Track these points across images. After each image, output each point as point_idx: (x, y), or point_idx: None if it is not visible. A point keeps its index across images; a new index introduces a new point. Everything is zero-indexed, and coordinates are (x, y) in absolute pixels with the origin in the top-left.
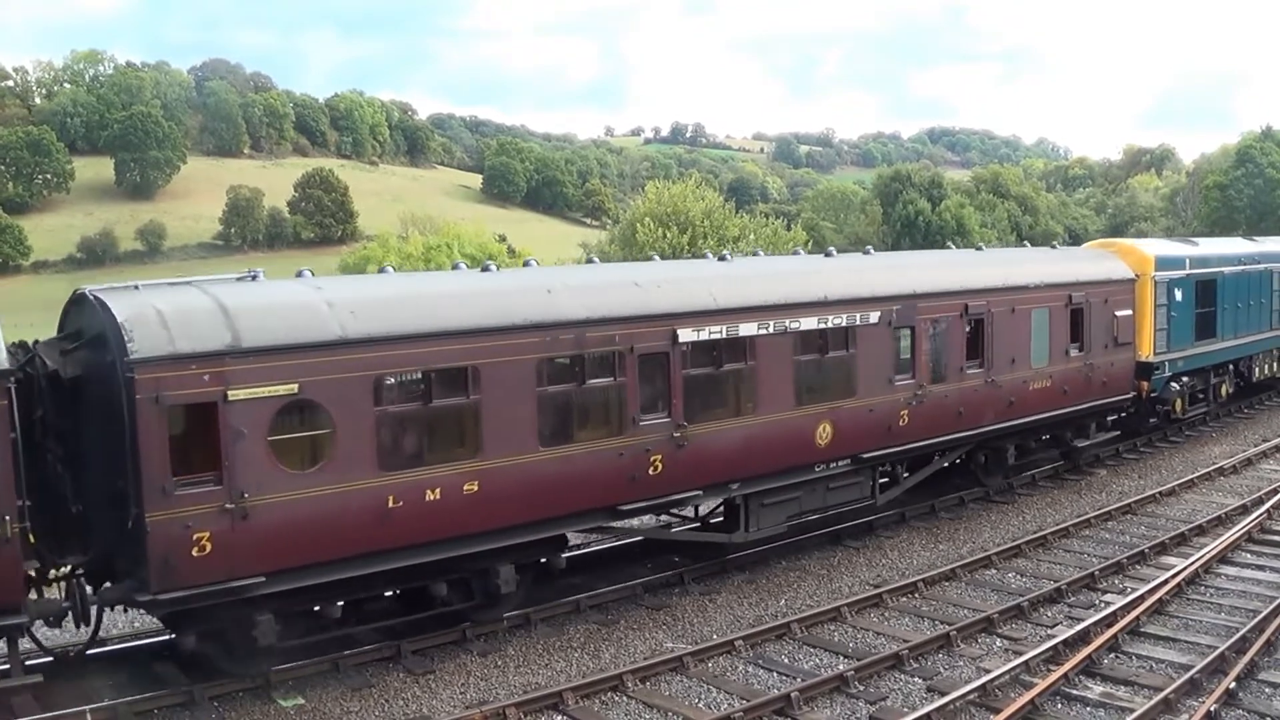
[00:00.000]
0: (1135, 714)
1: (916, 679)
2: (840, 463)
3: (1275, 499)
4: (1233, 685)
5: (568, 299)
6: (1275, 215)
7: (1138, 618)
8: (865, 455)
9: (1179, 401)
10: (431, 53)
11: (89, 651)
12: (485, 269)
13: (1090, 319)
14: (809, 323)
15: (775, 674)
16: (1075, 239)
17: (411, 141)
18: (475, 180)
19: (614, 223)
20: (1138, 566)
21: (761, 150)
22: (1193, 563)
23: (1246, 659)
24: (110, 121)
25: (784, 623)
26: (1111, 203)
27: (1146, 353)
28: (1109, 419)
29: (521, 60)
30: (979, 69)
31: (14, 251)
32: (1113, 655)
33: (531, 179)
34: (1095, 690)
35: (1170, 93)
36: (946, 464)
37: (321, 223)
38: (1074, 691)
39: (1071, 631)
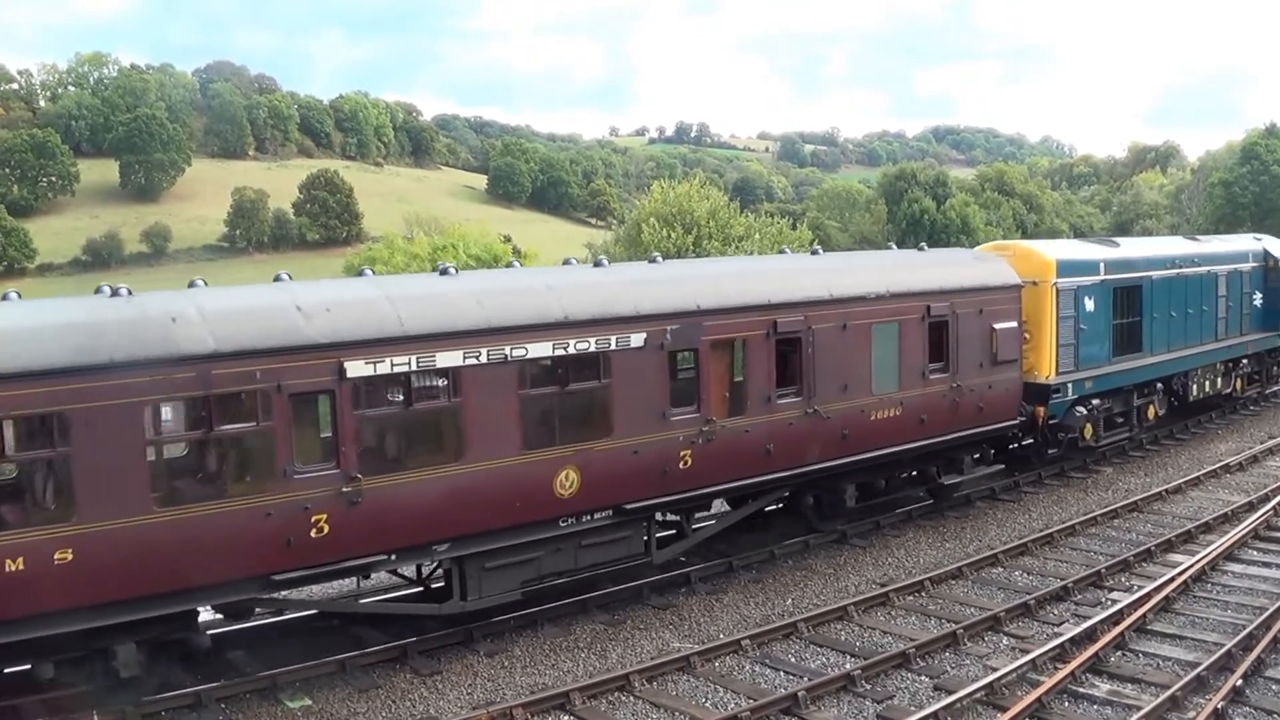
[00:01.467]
0: (1142, 711)
1: (923, 678)
2: (598, 515)
3: None
4: (1239, 682)
5: (192, 329)
6: None
7: (1144, 615)
8: (630, 506)
9: (1088, 428)
10: (436, 54)
11: None
12: (116, 293)
13: (958, 334)
14: (541, 348)
15: (782, 673)
16: (1080, 236)
17: (416, 142)
18: (480, 181)
19: (619, 223)
20: (1144, 564)
21: (766, 150)
22: (1199, 560)
23: (1253, 656)
24: (115, 124)
25: (791, 622)
26: (1116, 200)
27: (1045, 372)
28: (991, 451)
29: (526, 61)
30: (983, 67)
31: (19, 254)
32: (1120, 653)
33: (536, 179)
34: (1102, 688)
35: (1175, 90)
36: (756, 510)
37: (326, 224)
38: (1081, 689)
39: (1078, 629)
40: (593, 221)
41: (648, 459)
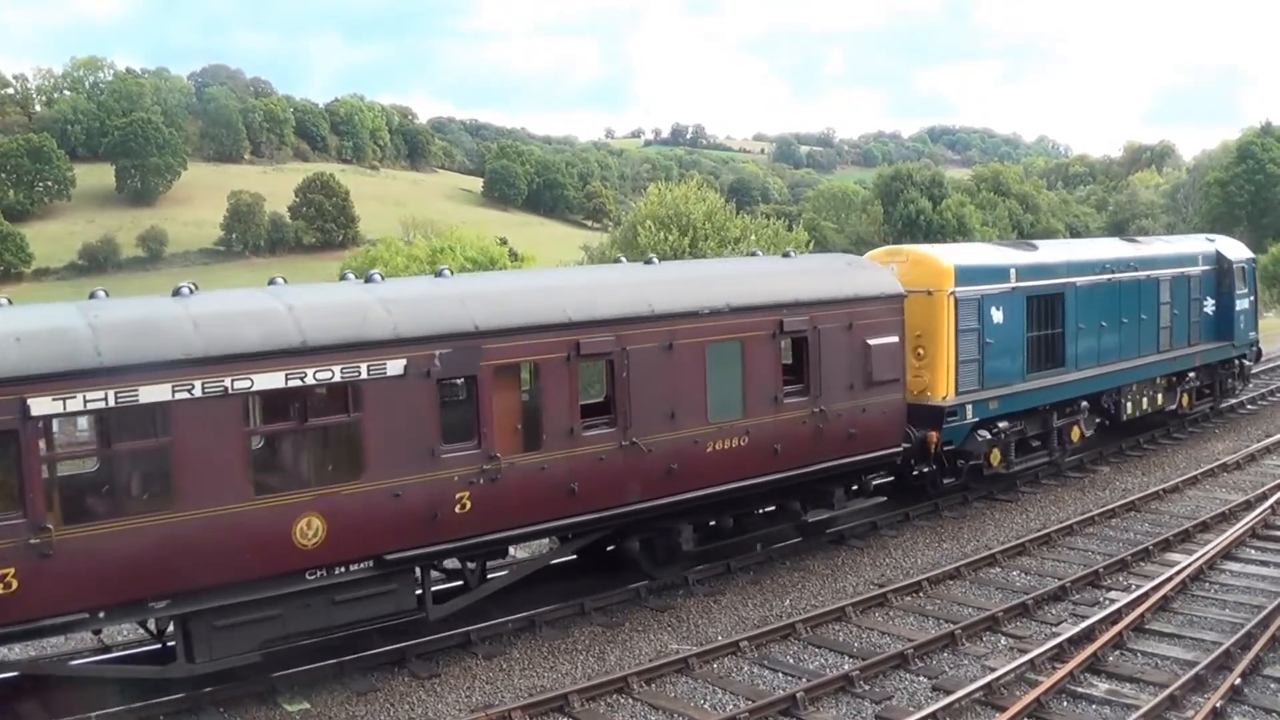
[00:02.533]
0: (1141, 711)
1: (922, 678)
2: (354, 567)
3: (1279, 494)
4: (1238, 681)
5: None
6: (1276, 212)
7: (1142, 615)
8: (393, 556)
9: (995, 453)
10: (433, 56)
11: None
12: None
13: (820, 352)
14: (271, 379)
15: (780, 674)
16: (1076, 236)
17: (412, 145)
18: (476, 184)
19: (615, 225)
20: (1142, 563)
21: (762, 151)
22: (1197, 559)
23: (1251, 655)
24: (111, 128)
25: (789, 623)
26: (1112, 200)
27: (942, 392)
28: (872, 481)
29: (522, 62)
30: (980, 67)
31: (16, 259)
32: (1118, 652)
33: (532, 182)
34: (1101, 688)
35: (1171, 89)
36: (566, 557)
37: (323, 228)
38: (1079, 689)
39: (1076, 629)
40: (589, 224)
41: (413, 502)
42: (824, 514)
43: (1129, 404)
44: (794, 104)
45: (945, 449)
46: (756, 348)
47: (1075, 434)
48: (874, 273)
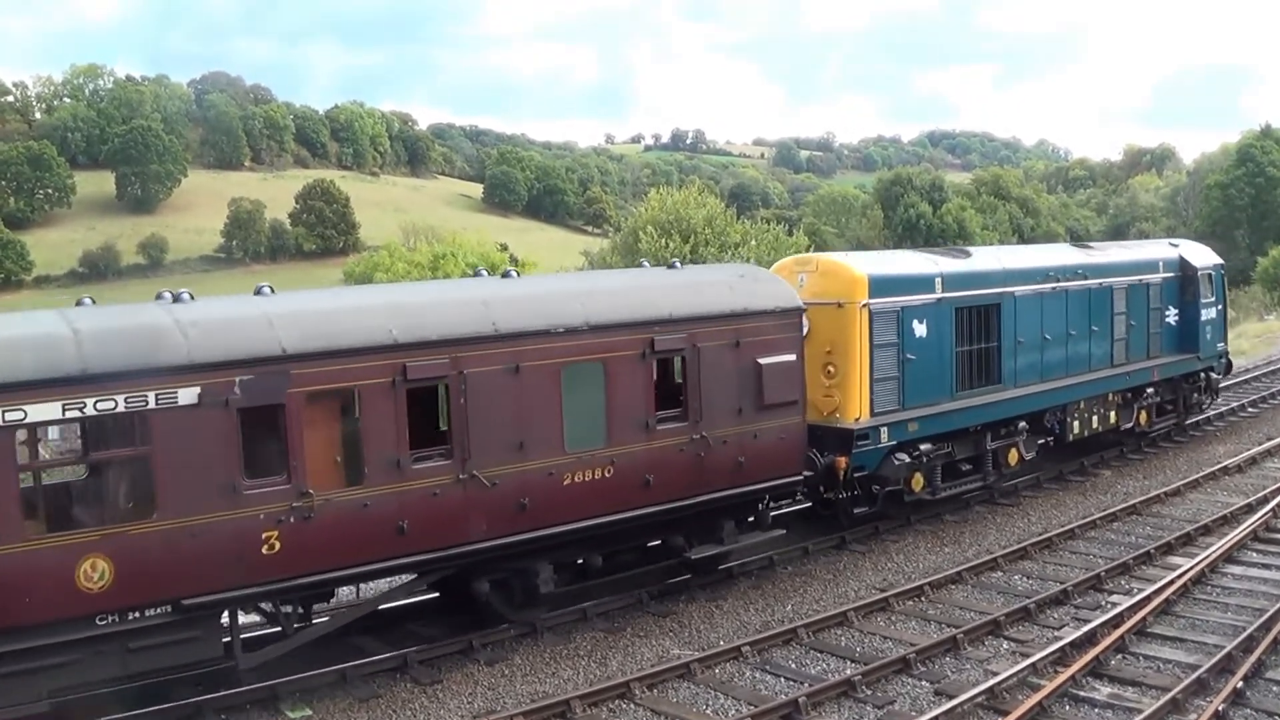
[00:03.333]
0: (1143, 714)
1: (924, 682)
2: (150, 612)
3: None
4: (1240, 684)
5: None
6: (1277, 214)
7: (1144, 618)
8: (191, 601)
9: (917, 478)
10: (432, 62)
11: None
12: None
13: (701, 373)
14: (47, 410)
15: (782, 679)
16: (1076, 239)
17: (412, 152)
18: (476, 190)
19: (615, 230)
20: (1144, 567)
21: (762, 156)
22: (1199, 563)
23: (1254, 658)
24: (111, 135)
25: (791, 628)
26: (1113, 203)
27: (854, 413)
28: (769, 514)
29: (522, 68)
30: (978, 70)
31: (16, 266)
32: (1120, 656)
33: (532, 188)
34: (1103, 691)
35: (1171, 91)
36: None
37: (323, 234)
38: (1082, 693)
39: (1078, 633)
40: (589, 229)
41: (213, 543)
42: (711, 550)
43: (1075, 423)
44: (793, 108)
45: (858, 475)
46: (622, 369)
47: (1013, 456)
48: (769, 285)
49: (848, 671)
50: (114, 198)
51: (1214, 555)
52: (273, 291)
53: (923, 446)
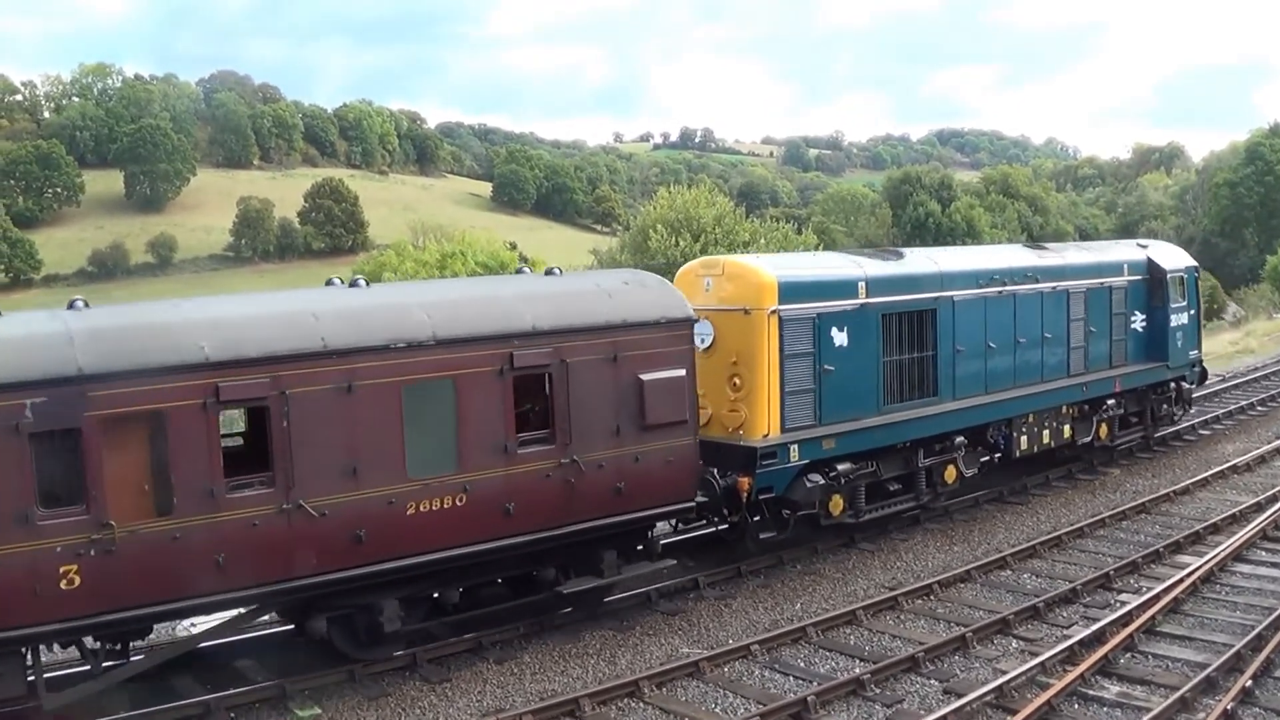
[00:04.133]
0: (1152, 713)
1: (933, 681)
2: None
3: None
4: (1249, 683)
5: None
6: None
7: (1153, 617)
8: None
9: (836, 501)
10: (441, 61)
11: None
12: None
13: (570, 390)
14: None
15: (791, 678)
16: (1085, 238)
17: (421, 150)
18: (485, 188)
19: (624, 229)
20: (1153, 565)
21: (771, 154)
22: (1207, 561)
23: (1263, 656)
24: (119, 135)
25: (800, 626)
26: (1122, 201)
27: (762, 430)
28: (658, 542)
29: (531, 67)
30: (987, 69)
31: (25, 265)
32: (1129, 655)
33: (541, 186)
34: (1112, 690)
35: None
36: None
37: (332, 233)
38: (1090, 692)
39: (1087, 632)
40: (598, 228)
41: (5, 577)
42: (588, 583)
43: (1023, 438)
44: (802, 107)
45: (764, 497)
46: (476, 388)
47: (950, 474)
48: (656, 293)
49: (856, 670)
50: (123, 197)
51: (1223, 554)
52: (86, 305)
53: (841, 466)
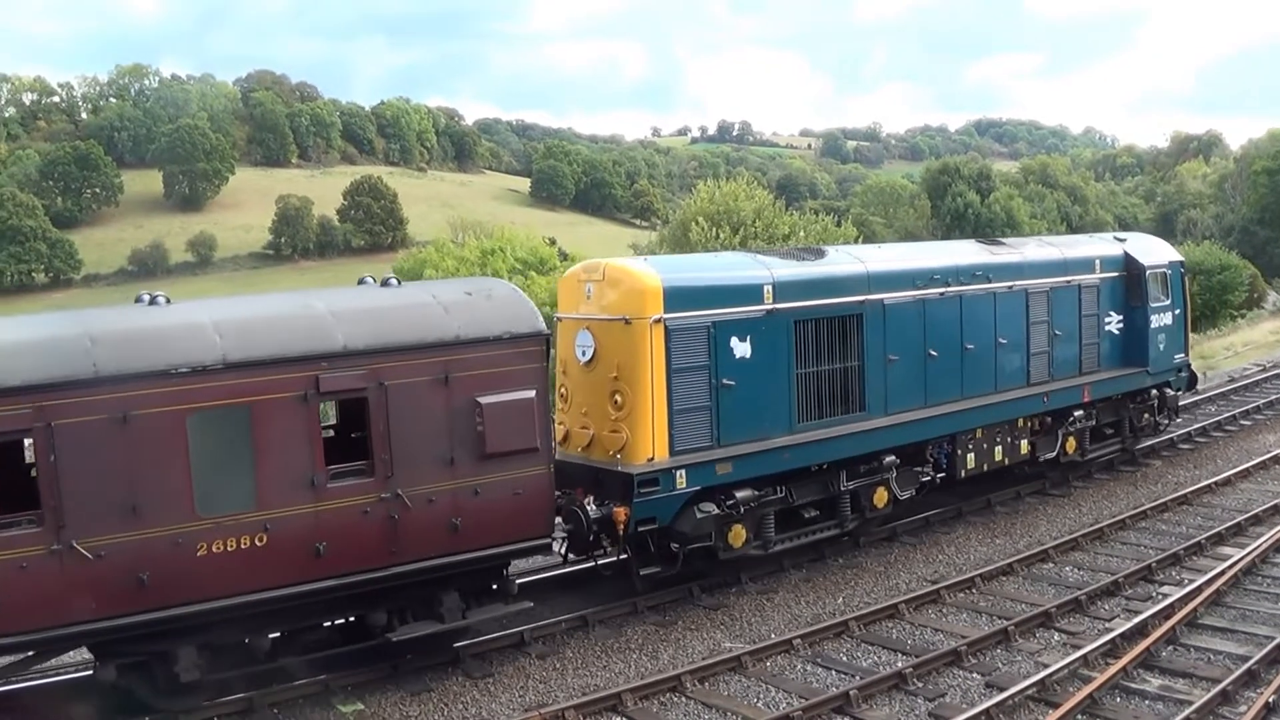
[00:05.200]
0: (1193, 706)
1: (975, 675)
2: None
3: None
4: None
5: None
6: None
7: (1195, 609)
8: None
9: (737, 531)
10: (478, 58)
11: None
12: None
13: (390, 417)
14: None
15: (834, 672)
16: (1125, 227)
17: (459, 147)
18: (523, 184)
19: (663, 223)
20: (1194, 558)
21: (809, 146)
22: (1249, 553)
23: None
24: (157, 134)
25: (842, 620)
26: (1160, 190)
27: (646, 453)
28: (514, 583)
29: (568, 63)
30: (1025, 59)
31: (65, 265)
32: (1170, 648)
33: (580, 181)
34: (1154, 683)
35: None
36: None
37: (371, 230)
38: (1132, 685)
39: (1129, 624)
40: (637, 222)
41: None
42: (423, 629)
43: (970, 455)
44: (839, 99)
45: (644, 529)
46: (277, 415)
47: (880, 498)
48: (499, 305)
49: (899, 664)
50: (162, 196)
51: (1265, 545)
52: None
53: (740, 493)
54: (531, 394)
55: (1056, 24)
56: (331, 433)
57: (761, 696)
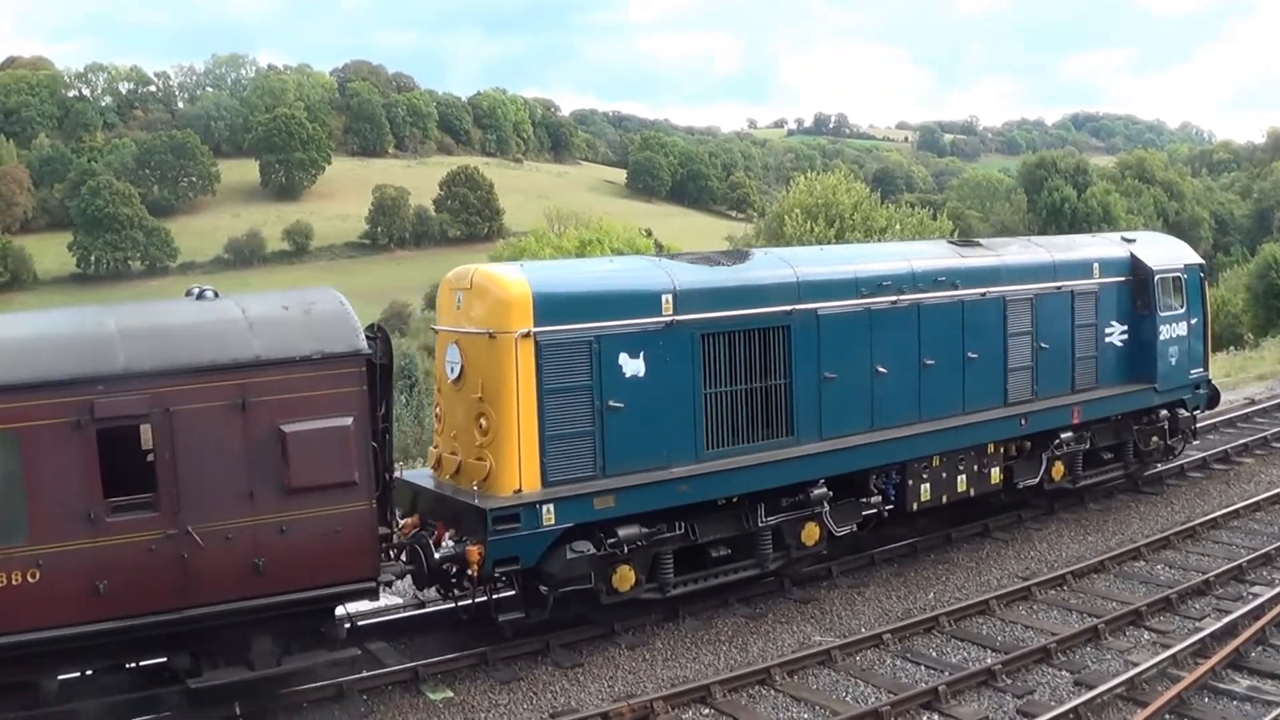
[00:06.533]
0: None
1: (1064, 672)
2: None
3: None
4: None
5: None
6: None
7: None
8: None
9: (626, 573)
10: (575, 49)
11: None
12: None
13: (177, 446)
14: None
15: (923, 667)
16: (1221, 224)
17: (555, 138)
18: (619, 175)
19: (759, 215)
20: None
21: (906, 139)
22: None
23: None
24: (254, 124)
25: (932, 616)
26: (1257, 186)
27: (513, 484)
28: (342, 627)
29: (664, 54)
30: (1122, 53)
31: (161, 253)
32: (1260, 648)
33: (676, 173)
34: (1242, 684)
35: None
36: None
37: (467, 220)
38: (1221, 685)
39: (1219, 624)
40: (733, 214)
41: None
42: (228, 676)
43: (923, 485)
44: (936, 92)
45: (504, 570)
46: (47, 443)
47: (811, 534)
48: (314, 322)
49: (988, 660)
50: (258, 185)
51: None
52: None
53: (625, 531)
54: (347, 421)
55: (1154, 18)
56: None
57: (850, 691)
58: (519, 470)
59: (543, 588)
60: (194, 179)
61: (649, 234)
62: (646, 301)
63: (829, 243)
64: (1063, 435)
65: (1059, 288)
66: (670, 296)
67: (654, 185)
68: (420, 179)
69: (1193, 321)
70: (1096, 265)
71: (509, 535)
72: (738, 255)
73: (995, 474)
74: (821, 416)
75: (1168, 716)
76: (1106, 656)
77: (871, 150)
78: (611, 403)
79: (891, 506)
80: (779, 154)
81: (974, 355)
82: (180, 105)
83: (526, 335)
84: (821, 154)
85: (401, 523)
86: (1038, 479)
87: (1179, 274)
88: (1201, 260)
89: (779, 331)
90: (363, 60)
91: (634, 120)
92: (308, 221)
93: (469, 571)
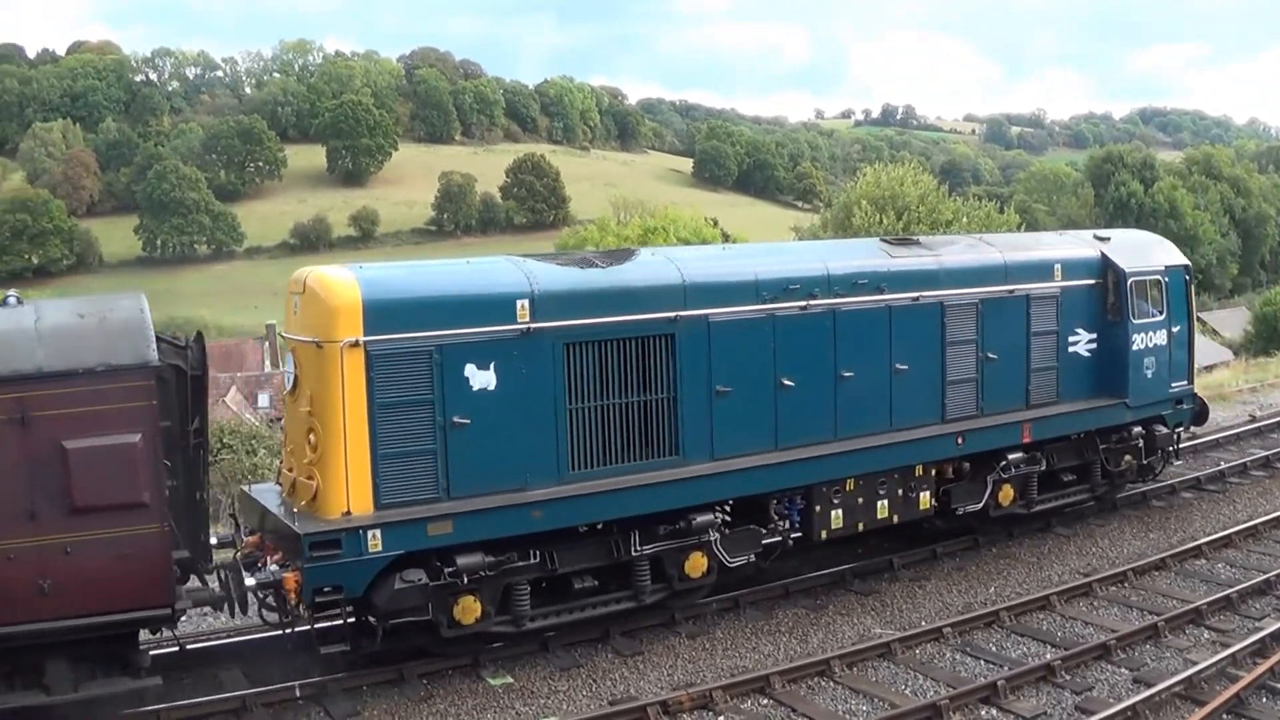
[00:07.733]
0: None
1: (1123, 669)
2: None
3: None
4: None
5: None
6: None
7: None
8: None
9: (470, 605)
10: (642, 38)
11: None
12: None
13: None
14: None
15: (982, 662)
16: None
17: (622, 126)
18: (686, 164)
19: (826, 206)
20: None
21: (973, 131)
22: None
23: None
24: (321, 110)
25: (992, 610)
26: None
27: (340, 505)
28: (146, 655)
29: (731, 44)
30: (1190, 48)
31: (227, 238)
32: None
33: (742, 162)
34: None
35: None
36: None
37: (533, 208)
38: (1279, 685)
39: (1279, 625)
40: (799, 204)
41: None
42: (21, 701)
43: (834, 512)
44: (1003, 84)
45: (327, 600)
46: None
47: (696, 565)
48: (106, 331)
49: (1048, 656)
50: (325, 171)
51: None
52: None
53: (464, 559)
54: (135, 438)
55: (1221, 12)
56: None
57: (909, 684)
58: (346, 491)
59: (371, 619)
60: (260, 164)
61: (715, 223)
62: (498, 307)
63: (895, 233)
64: (1010, 456)
65: (1011, 291)
66: (526, 301)
67: (720, 175)
68: (486, 166)
69: (1174, 329)
70: (1058, 267)
71: (328, 563)
72: (618, 255)
73: (925, 499)
74: (713, 434)
75: (1225, 716)
76: (1166, 654)
77: (938, 142)
78: (456, 419)
79: (799, 534)
80: (846, 144)
81: (903, 367)
82: (247, 91)
83: (355, 345)
84: (889, 145)
85: (245, 541)
86: (981, 504)
87: (1158, 276)
88: (1187, 262)
89: (661, 340)
90: (430, 47)
91: (701, 109)
92: (374, 207)
93: (289, 600)
